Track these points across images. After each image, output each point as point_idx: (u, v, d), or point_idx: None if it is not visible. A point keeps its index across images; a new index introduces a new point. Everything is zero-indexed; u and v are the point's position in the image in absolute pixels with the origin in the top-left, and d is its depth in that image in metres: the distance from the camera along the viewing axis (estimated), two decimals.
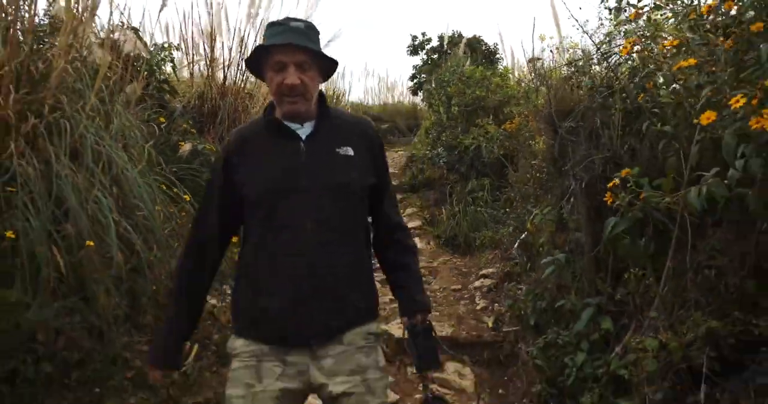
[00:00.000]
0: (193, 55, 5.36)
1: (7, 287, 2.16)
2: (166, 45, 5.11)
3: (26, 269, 2.25)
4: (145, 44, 4.42)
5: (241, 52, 5.29)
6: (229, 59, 5.39)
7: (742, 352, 1.83)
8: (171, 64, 5.02)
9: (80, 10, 3.02)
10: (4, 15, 2.75)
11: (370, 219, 1.66)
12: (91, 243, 2.38)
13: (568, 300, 2.67)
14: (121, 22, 4.22)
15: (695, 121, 1.81)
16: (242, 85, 5.53)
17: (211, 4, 5.12)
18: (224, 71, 5.39)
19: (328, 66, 1.56)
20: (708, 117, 1.77)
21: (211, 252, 1.59)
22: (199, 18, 7.33)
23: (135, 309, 2.77)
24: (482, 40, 9.91)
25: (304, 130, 1.53)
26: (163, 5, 3.71)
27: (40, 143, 2.59)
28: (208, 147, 4.52)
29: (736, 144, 1.69)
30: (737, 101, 1.62)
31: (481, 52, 8.31)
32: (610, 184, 2.06)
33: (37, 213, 2.30)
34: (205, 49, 5.32)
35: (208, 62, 5.33)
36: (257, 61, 1.53)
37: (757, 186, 1.71)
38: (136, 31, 4.16)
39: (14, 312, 2.13)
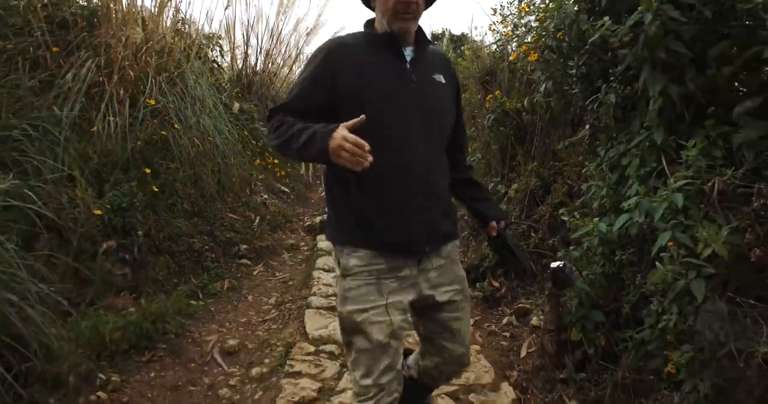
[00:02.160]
0: (233, 42, 7.17)
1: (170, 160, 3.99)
2: (212, 35, 6.93)
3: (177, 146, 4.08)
4: (204, 34, 6.27)
5: (271, 41, 7.12)
6: (261, 47, 7.22)
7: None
8: (219, 49, 6.84)
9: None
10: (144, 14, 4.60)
11: None
12: (210, 139, 4.22)
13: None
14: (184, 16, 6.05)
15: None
16: (269, 66, 7.36)
17: (249, 2, 6.93)
18: (256, 56, 7.22)
19: None
20: (531, 59, 3.60)
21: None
22: (238, 13, 9.15)
23: (222, 187, 4.61)
24: (451, 31, 11.83)
25: (407, 54, 1.59)
26: (228, 5, 5.50)
27: (166, 87, 4.42)
28: (248, 107, 6.35)
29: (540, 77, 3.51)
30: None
31: (454, 41, 10.20)
32: (488, 97, 3.92)
33: (179, 118, 4.14)
34: (243, 37, 7.14)
35: (245, 49, 7.17)
36: None
37: (554, 97, 3.52)
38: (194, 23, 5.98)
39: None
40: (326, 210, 1.82)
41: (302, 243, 4.87)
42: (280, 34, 7.16)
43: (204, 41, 6.31)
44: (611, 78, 2.84)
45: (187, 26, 5.75)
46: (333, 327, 3.02)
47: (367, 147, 1.31)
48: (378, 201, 1.52)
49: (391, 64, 1.55)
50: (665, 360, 2.15)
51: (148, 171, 3.72)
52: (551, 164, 3.63)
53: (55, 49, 4.03)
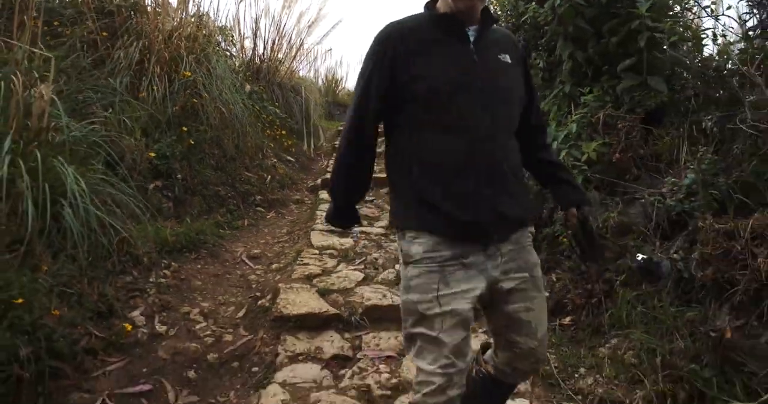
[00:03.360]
0: (242, 34, 8.10)
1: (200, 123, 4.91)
2: (225, 27, 7.87)
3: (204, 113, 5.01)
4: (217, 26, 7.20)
5: (276, 33, 8.05)
6: (267, 38, 8.14)
7: None
8: (231, 39, 7.77)
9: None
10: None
11: None
12: (231, 108, 5.16)
13: None
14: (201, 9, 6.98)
15: None
16: (275, 55, 8.28)
17: None
18: (264, 45, 8.14)
19: None
20: None
21: (370, 143, 1.59)
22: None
23: (239, 150, 5.53)
24: None
25: (471, 33, 1.50)
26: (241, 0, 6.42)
27: (195, 66, 5.35)
28: (258, 88, 7.27)
29: None
30: None
31: None
32: None
33: (205, 90, 5.07)
34: (252, 29, 8.07)
35: (253, 39, 8.09)
36: None
37: None
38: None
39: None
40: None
41: (306, 199, 5.79)
42: (284, 26, 8.08)
43: (218, 32, 7.25)
44: (540, 48, 3.78)
45: (205, 18, 6.70)
46: (332, 241, 3.96)
47: None
48: (442, 186, 1.45)
49: (454, 47, 1.48)
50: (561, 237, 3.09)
51: (185, 129, 4.65)
52: None
53: (104, 34, 4.95)
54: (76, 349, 2.40)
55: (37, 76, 3.45)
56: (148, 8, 5.34)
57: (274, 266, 3.66)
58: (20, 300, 2.13)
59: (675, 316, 2.25)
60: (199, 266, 3.56)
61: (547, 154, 1.75)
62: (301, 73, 9.64)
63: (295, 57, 8.60)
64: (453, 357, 1.44)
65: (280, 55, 8.40)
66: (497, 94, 1.49)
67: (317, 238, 4.04)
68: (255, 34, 8.10)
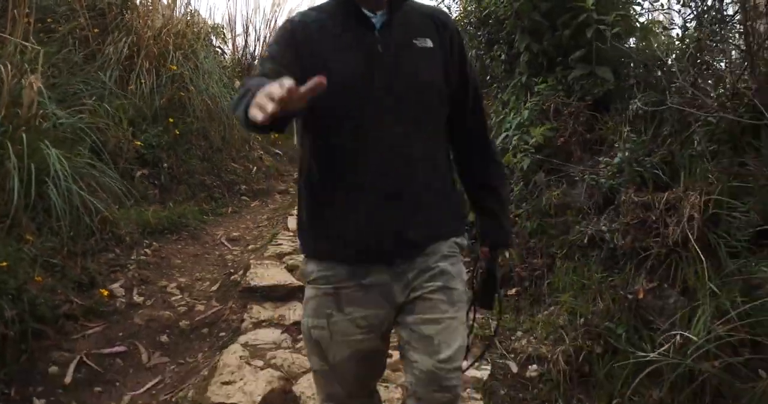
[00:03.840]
0: (234, 31, 8.34)
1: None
2: (217, 25, 8.11)
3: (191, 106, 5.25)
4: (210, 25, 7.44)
5: (268, 31, 8.29)
6: (258, 36, 8.38)
7: None
8: (222, 37, 8.01)
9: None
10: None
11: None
12: (217, 101, 5.39)
13: None
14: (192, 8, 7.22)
15: None
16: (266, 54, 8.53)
17: None
18: (254, 44, 8.38)
19: None
20: None
21: None
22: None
23: (226, 142, 5.76)
24: None
25: (377, 19, 1.27)
26: None
27: (182, 61, 5.58)
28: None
29: None
30: None
31: None
32: None
33: (192, 84, 5.31)
34: (243, 27, 8.30)
35: (245, 37, 8.33)
36: None
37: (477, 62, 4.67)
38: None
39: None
40: None
41: (291, 189, 6.01)
42: (275, 24, 8.32)
43: (210, 30, 7.49)
44: (501, 41, 4.00)
45: (195, 16, 6.94)
46: None
47: (279, 95, 0.87)
48: (332, 203, 1.26)
49: (354, 37, 1.26)
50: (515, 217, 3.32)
51: (171, 120, 4.88)
52: None
53: (95, 30, 5.19)
54: (57, 313, 2.63)
55: (27, 68, 3.69)
56: (139, 6, 5.58)
57: (250, 247, 3.89)
58: (5, 264, 2.36)
59: (600, 282, 2.46)
60: (179, 246, 3.79)
61: (483, 170, 1.45)
62: None
63: None
64: (345, 397, 1.32)
65: None
66: (408, 88, 1.25)
67: (294, 222, 4.27)
68: (246, 32, 8.34)
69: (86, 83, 4.53)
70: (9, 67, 3.28)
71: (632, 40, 3.62)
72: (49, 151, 2.97)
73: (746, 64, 2.32)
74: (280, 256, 3.51)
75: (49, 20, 5.13)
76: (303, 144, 1.34)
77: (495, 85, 4.29)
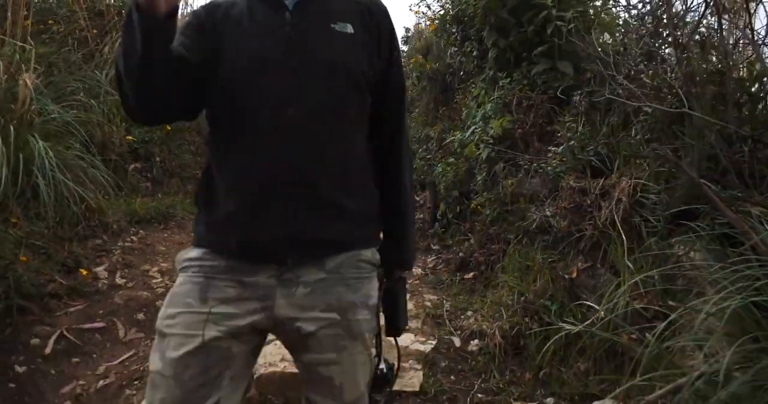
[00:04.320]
0: None
1: None
2: None
3: None
4: None
5: None
6: None
7: None
8: None
9: None
10: None
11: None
12: None
13: None
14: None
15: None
16: None
17: None
18: None
19: None
20: (431, 28, 4.91)
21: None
22: None
23: None
24: None
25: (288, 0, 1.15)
26: None
27: None
28: None
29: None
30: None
31: None
32: (412, 60, 5.25)
33: None
34: None
35: None
36: None
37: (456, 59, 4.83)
38: None
39: None
40: None
41: None
42: None
43: None
44: (472, 38, 4.16)
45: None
46: None
47: None
48: (224, 188, 1.14)
49: (265, 17, 1.15)
50: (476, 205, 3.48)
51: None
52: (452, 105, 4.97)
53: (94, 31, 5.44)
54: (42, 292, 2.85)
55: (24, 67, 3.93)
56: None
57: None
58: None
59: (542, 264, 2.62)
60: (165, 235, 4.01)
61: (391, 188, 1.28)
62: None
63: None
64: None
65: None
66: (319, 74, 1.12)
67: None
68: None
69: (83, 81, 4.77)
70: (5, 66, 3.52)
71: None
72: (36, 143, 3.19)
73: (676, 56, 2.46)
74: None
75: (50, 22, 5.39)
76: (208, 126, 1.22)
77: (471, 81, 4.45)
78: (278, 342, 2.39)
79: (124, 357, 2.69)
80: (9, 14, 4.18)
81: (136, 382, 2.45)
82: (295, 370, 2.16)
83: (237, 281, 1.12)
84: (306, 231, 1.11)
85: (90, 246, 3.43)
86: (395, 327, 1.32)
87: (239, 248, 1.12)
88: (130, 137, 4.59)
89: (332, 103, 1.14)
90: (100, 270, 3.26)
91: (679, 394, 1.50)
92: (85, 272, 3.10)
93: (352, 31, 1.18)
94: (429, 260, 3.55)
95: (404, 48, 7.42)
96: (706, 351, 1.67)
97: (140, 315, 2.97)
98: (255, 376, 2.25)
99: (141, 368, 2.55)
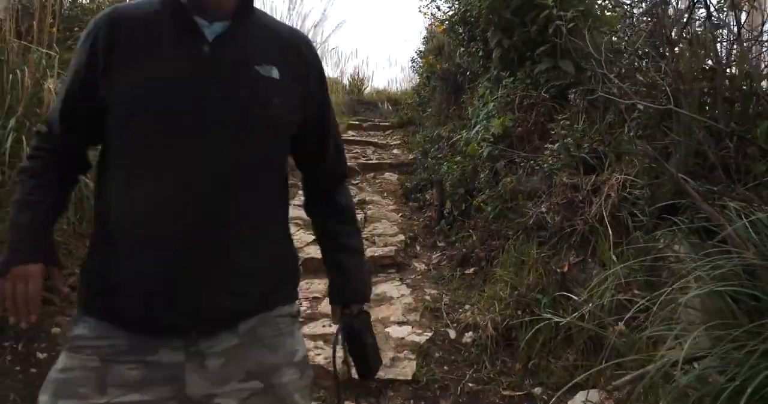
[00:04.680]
0: None
1: None
2: None
3: None
4: None
5: None
6: None
7: None
8: None
9: None
10: None
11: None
12: None
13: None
14: None
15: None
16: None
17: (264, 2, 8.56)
18: None
19: None
20: (439, 29, 4.98)
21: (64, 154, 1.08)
22: None
23: None
24: None
25: (212, 29, 1.01)
26: None
27: None
28: None
29: None
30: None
31: None
32: (424, 61, 5.33)
33: None
34: None
35: None
36: None
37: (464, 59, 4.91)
38: None
39: None
40: None
41: (301, 183, 6.39)
42: None
43: None
44: (477, 38, 4.22)
45: None
46: (300, 213, 4.53)
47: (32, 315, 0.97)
48: (118, 256, 0.99)
49: (178, 47, 1.00)
50: (478, 202, 3.55)
51: None
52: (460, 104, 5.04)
53: None
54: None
55: (49, 73, 4.15)
56: None
57: None
58: None
59: (536, 258, 2.68)
60: None
61: (341, 221, 1.25)
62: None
63: None
64: None
65: None
66: (233, 123, 0.99)
67: (291, 212, 4.64)
68: None
69: None
70: (31, 72, 3.73)
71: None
72: None
73: (666, 54, 2.50)
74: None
75: (75, 29, 5.63)
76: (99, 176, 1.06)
77: (477, 81, 4.51)
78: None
79: None
80: (35, 22, 4.41)
81: None
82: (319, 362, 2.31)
83: (141, 362, 0.98)
84: (212, 304, 0.99)
85: None
86: (366, 369, 1.17)
87: (140, 322, 0.98)
88: None
89: (249, 159, 1.03)
90: None
91: (644, 379, 1.56)
92: None
93: (278, 77, 1.04)
94: (434, 256, 3.63)
95: (421, 48, 7.52)
96: (680, 340, 1.73)
97: None
98: None
99: None
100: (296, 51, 1.10)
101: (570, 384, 2.10)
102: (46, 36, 4.45)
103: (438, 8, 5.51)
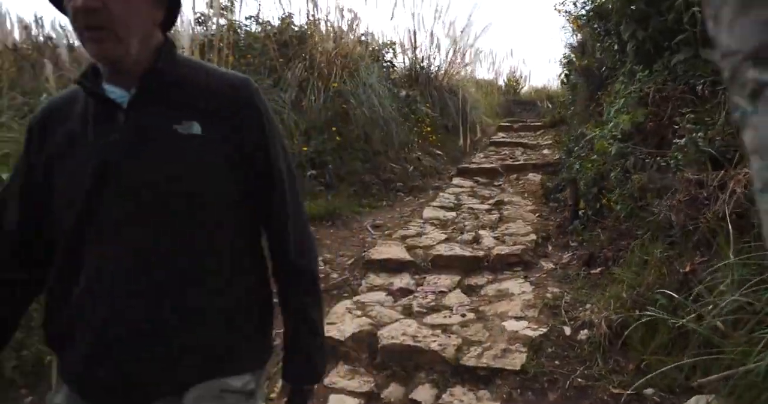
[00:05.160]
0: (404, 46, 9.25)
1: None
2: (390, 42, 9.10)
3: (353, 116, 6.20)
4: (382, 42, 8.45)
5: (431, 45, 9.03)
6: (422, 49, 9.16)
7: None
8: (392, 51, 8.98)
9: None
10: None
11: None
12: (376, 111, 6.27)
13: None
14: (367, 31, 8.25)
15: None
16: (432, 62, 9.29)
17: (413, 14, 8.95)
18: (422, 55, 9.18)
19: None
20: (574, 24, 4.86)
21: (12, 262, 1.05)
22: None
23: (385, 145, 6.60)
24: None
25: (121, 96, 0.97)
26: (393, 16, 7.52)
27: (347, 78, 6.57)
28: (413, 92, 8.32)
29: None
30: None
31: None
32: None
33: (353, 97, 6.25)
34: (410, 42, 9.18)
35: (412, 50, 9.19)
36: None
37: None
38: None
39: None
40: None
41: (444, 185, 6.63)
42: (437, 36, 9.03)
43: (380, 47, 8.50)
44: (612, 32, 4.11)
45: (369, 37, 8.00)
46: (438, 214, 4.79)
47: None
48: (68, 327, 1.00)
49: (95, 124, 0.97)
50: (608, 201, 3.47)
51: (335, 129, 5.88)
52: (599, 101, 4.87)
53: (281, 59, 6.45)
54: None
55: None
56: (314, 35, 6.76)
57: (387, 232, 4.61)
58: None
59: (659, 258, 2.61)
60: (331, 231, 4.68)
61: (295, 294, 1.12)
62: (477, 75, 10.84)
63: (450, 62, 9.48)
64: None
65: (437, 62, 9.36)
66: (155, 194, 0.96)
67: (428, 212, 4.90)
68: (414, 46, 9.18)
69: (273, 102, 5.74)
70: None
71: None
72: None
73: None
74: (404, 238, 4.17)
75: (248, 56, 6.54)
76: None
77: (614, 77, 4.35)
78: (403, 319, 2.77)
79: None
80: (214, 54, 5.26)
81: None
82: (413, 343, 2.56)
83: None
84: (143, 379, 0.98)
85: None
86: None
87: (87, 390, 1.01)
88: (305, 148, 5.39)
89: (182, 232, 0.98)
90: None
91: (731, 380, 1.52)
92: None
93: (200, 132, 0.98)
94: (564, 256, 3.63)
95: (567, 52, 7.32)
96: None
97: None
98: (379, 345, 2.67)
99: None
100: (222, 94, 1.02)
101: (686, 387, 2.07)
102: (224, 64, 5.28)
103: (574, 4, 5.39)
